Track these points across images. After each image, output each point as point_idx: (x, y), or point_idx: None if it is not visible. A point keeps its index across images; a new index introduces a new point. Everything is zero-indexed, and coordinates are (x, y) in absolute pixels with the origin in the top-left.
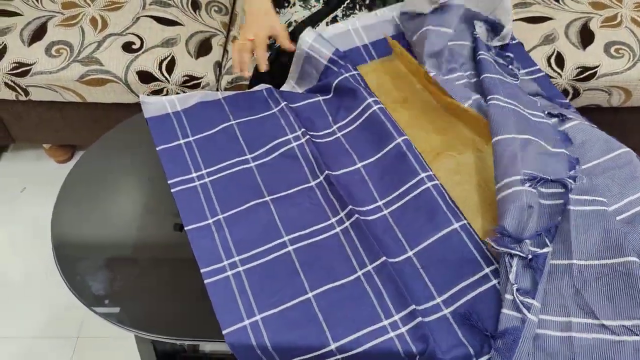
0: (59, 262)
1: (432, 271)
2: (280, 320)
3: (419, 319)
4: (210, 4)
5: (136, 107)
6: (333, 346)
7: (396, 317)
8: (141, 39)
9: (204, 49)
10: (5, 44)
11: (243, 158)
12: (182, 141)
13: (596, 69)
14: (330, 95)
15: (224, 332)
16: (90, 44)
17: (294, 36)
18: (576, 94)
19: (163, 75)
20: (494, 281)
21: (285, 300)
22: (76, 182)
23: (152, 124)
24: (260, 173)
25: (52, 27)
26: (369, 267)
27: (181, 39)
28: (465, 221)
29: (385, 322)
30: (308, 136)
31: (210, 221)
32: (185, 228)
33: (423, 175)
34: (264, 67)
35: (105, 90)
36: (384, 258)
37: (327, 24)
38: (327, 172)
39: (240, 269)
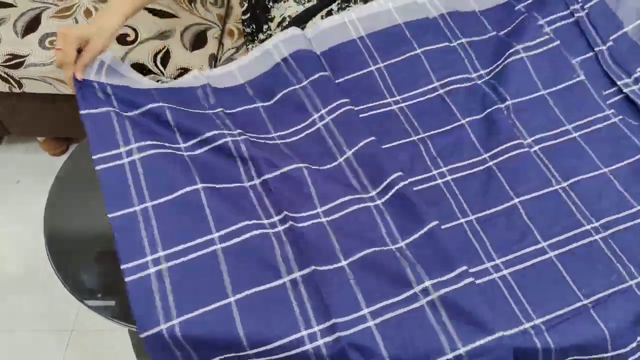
0: (52, 256)
1: (363, 283)
2: (199, 324)
3: (338, 333)
4: None
5: None
6: (249, 352)
7: (316, 329)
8: (136, 31)
9: (199, 41)
10: None
11: (175, 146)
12: (110, 109)
13: None
14: (271, 103)
15: (141, 335)
16: None
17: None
18: None
19: (158, 67)
20: (423, 301)
21: (207, 302)
22: (69, 175)
23: (77, 85)
24: (192, 161)
25: (46, 19)
26: (296, 275)
27: (176, 32)
28: (402, 243)
29: (304, 333)
30: (245, 136)
31: (137, 208)
32: (109, 215)
33: (365, 195)
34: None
35: None
36: (313, 267)
37: (322, 18)
38: (264, 176)
39: (164, 266)
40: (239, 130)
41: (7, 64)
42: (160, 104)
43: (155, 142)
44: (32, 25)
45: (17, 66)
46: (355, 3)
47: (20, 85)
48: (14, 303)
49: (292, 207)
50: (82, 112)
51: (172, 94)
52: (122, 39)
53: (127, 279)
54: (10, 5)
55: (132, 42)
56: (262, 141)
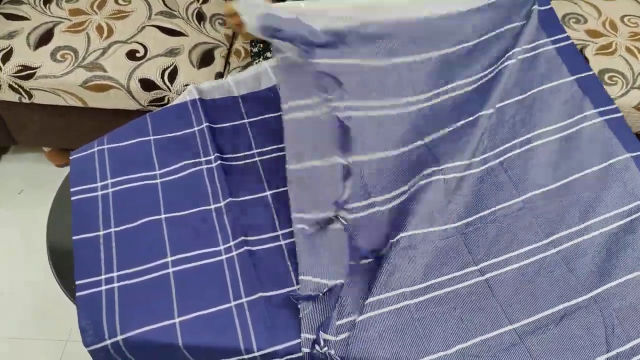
0: (54, 265)
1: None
2: (141, 345)
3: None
4: (215, 17)
5: (137, 114)
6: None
7: (256, 354)
8: (145, 48)
9: (206, 59)
10: (11, 47)
11: (151, 173)
12: (95, 149)
13: None
14: (259, 119)
15: (87, 348)
16: (95, 51)
17: None
18: None
19: (165, 83)
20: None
21: (152, 322)
22: None
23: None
24: (163, 190)
25: (58, 33)
26: (244, 300)
27: (184, 49)
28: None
29: (245, 357)
30: (220, 161)
31: (101, 233)
32: (73, 237)
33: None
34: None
35: (108, 96)
36: (259, 294)
37: None
38: (230, 199)
39: (116, 285)
40: (215, 155)
41: (18, 74)
42: (148, 137)
43: (129, 177)
44: (45, 38)
45: (28, 77)
46: None
47: (30, 96)
48: (13, 311)
49: (252, 230)
50: (71, 157)
51: (164, 114)
52: (131, 55)
53: (77, 294)
54: (25, 19)
55: (142, 58)
56: (240, 162)
